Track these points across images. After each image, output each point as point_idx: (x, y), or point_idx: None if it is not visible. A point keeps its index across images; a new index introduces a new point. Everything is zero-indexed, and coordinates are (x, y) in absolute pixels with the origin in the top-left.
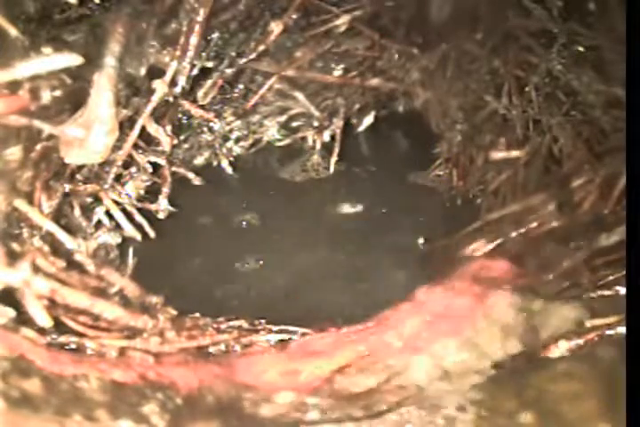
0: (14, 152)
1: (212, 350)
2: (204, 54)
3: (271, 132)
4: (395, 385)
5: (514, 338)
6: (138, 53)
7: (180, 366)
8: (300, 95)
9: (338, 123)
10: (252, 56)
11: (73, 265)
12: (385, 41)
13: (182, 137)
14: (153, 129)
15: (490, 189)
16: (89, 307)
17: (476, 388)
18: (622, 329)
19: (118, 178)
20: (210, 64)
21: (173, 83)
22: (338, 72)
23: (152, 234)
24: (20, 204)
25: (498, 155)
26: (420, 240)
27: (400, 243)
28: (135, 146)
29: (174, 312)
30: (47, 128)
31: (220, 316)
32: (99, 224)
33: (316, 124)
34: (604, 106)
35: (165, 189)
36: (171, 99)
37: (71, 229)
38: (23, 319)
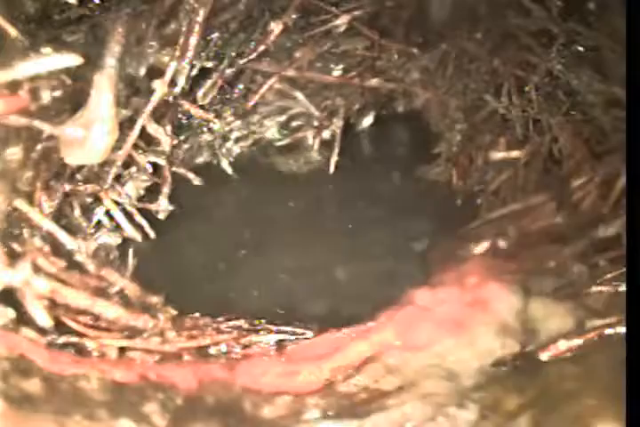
0: (15, 152)
1: (212, 350)
2: (203, 54)
3: (271, 131)
4: (395, 385)
5: (514, 338)
6: (138, 53)
7: (180, 366)
8: (300, 95)
9: (337, 122)
10: (252, 56)
11: (73, 265)
12: (385, 41)
13: (182, 137)
14: (153, 129)
15: (490, 189)
16: (89, 307)
17: (477, 387)
18: (622, 329)
19: (118, 178)
20: (210, 64)
21: (173, 83)
22: (337, 72)
23: (152, 234)
24: (21, 204)
25: (498, 155)
26: (418, 242)
27: (400, 243)
28: (135, 146)
29: (174, 312)
30: (47, 128)
31: (220, 316)
32: (99, 225)
33: (315, 123)
34: (603, 106)
35: (165, 189)
36: (171, 99)
37: (71, 230)
38: (23, 319)
